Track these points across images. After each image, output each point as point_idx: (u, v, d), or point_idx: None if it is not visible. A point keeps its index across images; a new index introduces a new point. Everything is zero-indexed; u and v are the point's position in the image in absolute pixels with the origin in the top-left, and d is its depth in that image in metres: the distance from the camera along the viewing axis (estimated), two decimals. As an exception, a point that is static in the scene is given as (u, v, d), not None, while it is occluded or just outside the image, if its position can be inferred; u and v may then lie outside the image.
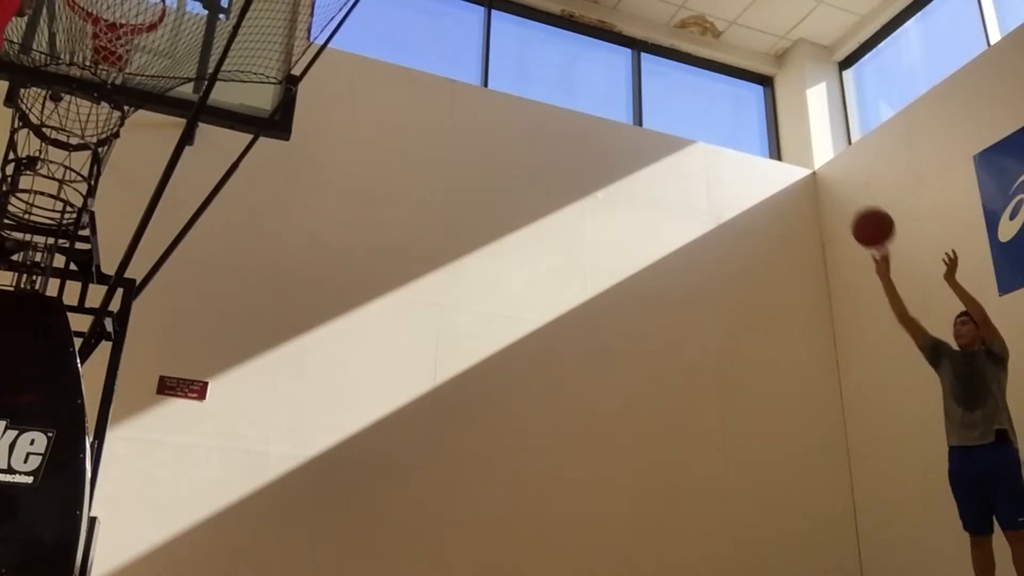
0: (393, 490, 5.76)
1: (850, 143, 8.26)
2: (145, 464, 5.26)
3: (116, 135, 3.42)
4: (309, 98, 4.71)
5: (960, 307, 5.00)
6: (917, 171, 7.03)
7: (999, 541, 4.59)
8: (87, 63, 3.27)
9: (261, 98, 3.67)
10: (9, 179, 3.18)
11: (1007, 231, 6.10)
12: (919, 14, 7.92)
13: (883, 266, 5.14)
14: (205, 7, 3.73)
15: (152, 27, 3.46)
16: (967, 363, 4.90)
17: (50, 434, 2.68)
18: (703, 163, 7.78)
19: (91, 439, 2.92)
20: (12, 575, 2.49)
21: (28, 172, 3.19)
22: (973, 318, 4.93)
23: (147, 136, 4.61)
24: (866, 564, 6.78)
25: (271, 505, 5.45)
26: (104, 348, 3.48)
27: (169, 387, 5.46)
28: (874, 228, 5.13)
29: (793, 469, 6.92)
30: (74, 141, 3.29)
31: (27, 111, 3.26)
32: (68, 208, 3.25)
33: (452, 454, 5.99)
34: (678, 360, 6.92)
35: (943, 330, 5.10)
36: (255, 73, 3.41)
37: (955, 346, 5.04)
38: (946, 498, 4.86)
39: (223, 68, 3.28)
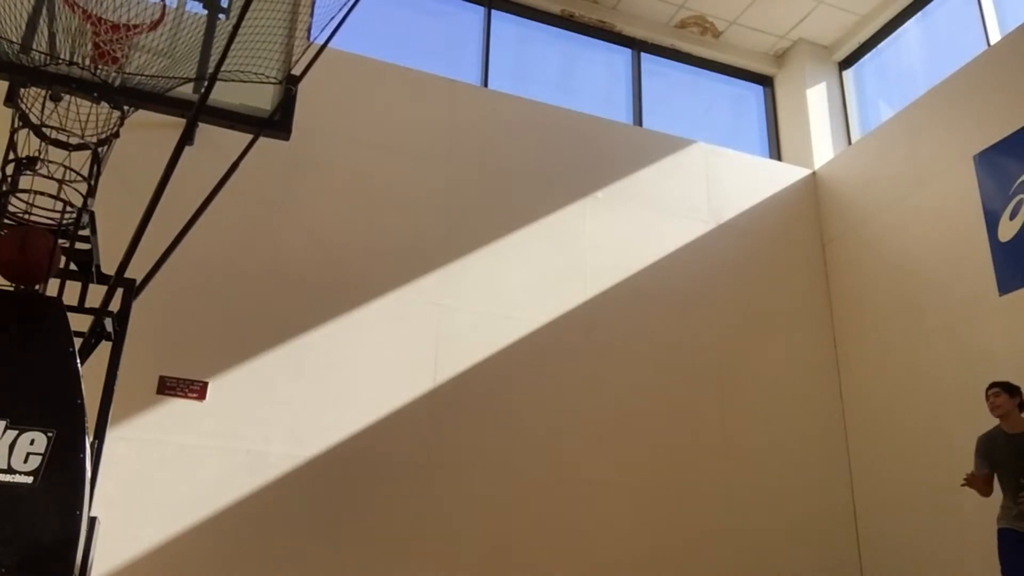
0: (393, 490, 5.76)
1: (850, 143, 8.26)
2: (145, 464, 5.26)
3: (116, 135, 3.42)
4: (309, 98, 4.71)
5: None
6: (917, 171, 7.03)
7: None
8: (87, 63, 3.27)
9: (261, 98, 3.66)
10: (9, 179, 3.17)
11: (1007, 231, 6.10)
12: (919, 14, 7.92)
13: (977, 482, 4.60)
14: (205, 7, 3.73)
15: (152, 27, 3.46)
16: (1020, 444, 4.46)
17: (50, 434, 2.68)
18: (703, 163, 7.78)
19: (91, 439, 2.91)
20: (12, 575, 2.49)
21: (28, 172, 3.19)
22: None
23: (147, 136, 4.62)
24: (866, 564, 6.78)
25: (271, 505, 5.45)
26: (104, 348, 3.47)
27: (169, 387, 5.46)
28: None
29: (793, 469, 6.92)
30: (74, 141, 3.29)
31: (27, 111, 3.26)
32: (68, 208, 3.25)
33: (452, 454, 5.99)
34: (678, 360, 6.92)
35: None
36: (255, 73, 3.40)
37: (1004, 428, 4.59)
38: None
39: (223, 68, 3.28)
